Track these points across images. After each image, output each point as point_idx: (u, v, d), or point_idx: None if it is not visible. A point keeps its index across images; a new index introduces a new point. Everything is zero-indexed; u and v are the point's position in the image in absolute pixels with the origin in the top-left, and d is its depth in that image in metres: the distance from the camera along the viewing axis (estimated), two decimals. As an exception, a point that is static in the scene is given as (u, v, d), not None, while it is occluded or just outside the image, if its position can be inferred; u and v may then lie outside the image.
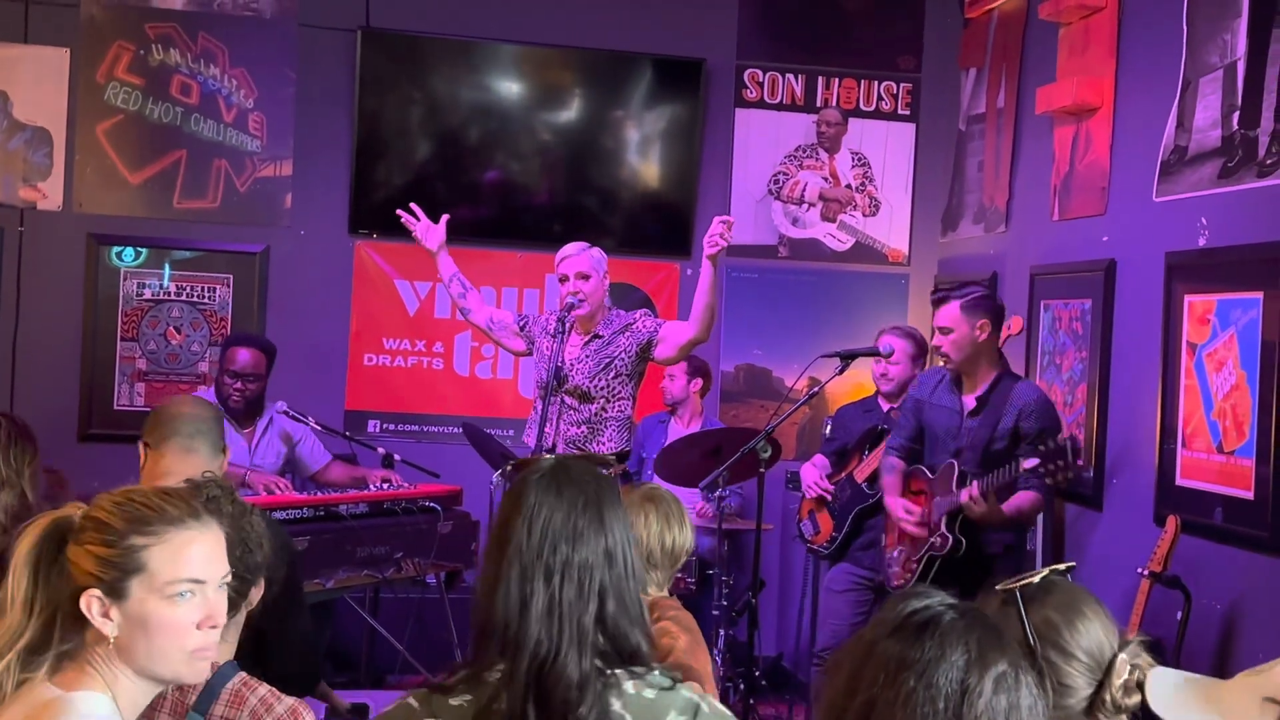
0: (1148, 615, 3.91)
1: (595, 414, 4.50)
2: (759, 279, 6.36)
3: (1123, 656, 1.87)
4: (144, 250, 5.95)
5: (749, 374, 6.38)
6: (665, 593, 2.97)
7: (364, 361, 6.14)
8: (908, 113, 6.43)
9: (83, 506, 1.84)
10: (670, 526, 2.91)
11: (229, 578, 1.88)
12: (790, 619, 6.13)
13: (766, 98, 6.35)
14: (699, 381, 5.79)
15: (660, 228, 6.30)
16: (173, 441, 2.87)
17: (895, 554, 4.44)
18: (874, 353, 4.90)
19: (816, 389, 5.05)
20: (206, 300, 5.99)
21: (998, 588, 1.89)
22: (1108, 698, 1.86)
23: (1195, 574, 3.90)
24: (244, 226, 6.01)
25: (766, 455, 4.44)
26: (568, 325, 4.43)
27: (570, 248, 4.57)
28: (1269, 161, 3.80)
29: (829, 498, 5.08)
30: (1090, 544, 4.72)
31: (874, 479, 4.82)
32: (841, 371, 4.61)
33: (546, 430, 4.33)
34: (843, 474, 5.08)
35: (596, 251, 4.58)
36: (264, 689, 2.10)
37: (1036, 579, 1.87)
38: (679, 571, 3.17)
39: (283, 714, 2.07)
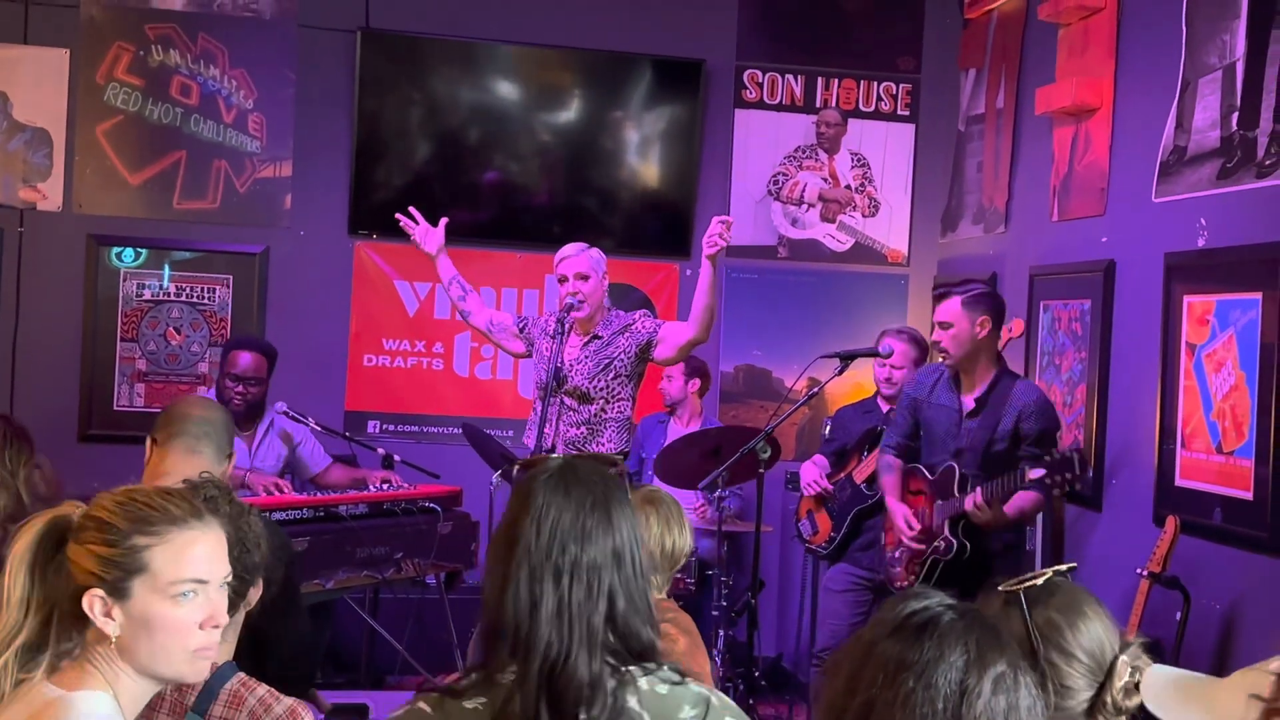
0: (1147, 615, 3.91)
1: (595, 415, 4.50)
2: (758, 279, 6.36)
3: (1124, 658, 1.87)
4: (144, 251, 5.95)
5: (748, 374, 6.38)
6: (664, 594, 2.97)
7: (364, 362, 6.15)
8: (907, 113, 6.43)
9: (81, 506, 1.84)
10: (670, 529, 2.91)
11: (230, 577, 1.88)
12: (790, 619, 6.13)
13: (766, 98, 6.35)
14: (697, 382, 5.79)
15: (660, 228, 6.31)
16: (178, 441, 2.88)
17: (897, 554, 4.43)
18: (873, 353, 4.90)
19: (816, 389, 5.05)
20: (206, 301, 5.99)
21: (1000, 588, 1.89)
22: (1108, 699, 1.86)
23: (1194, 574, 3.90)
24: (244, 227, 6.01)
25: (766, 456, 4.44)
26: (567, 326, 4.43)
27: (569, 248, 4.57)
28: (1268, 162, 3.80)
29: (828, 496, 5.08)
30: (1089, 544, 4.72)
31: (873, 480, 4.82)
32: (841, 372, 4.60)
33: (546, 431, 4.33)
34: (842, 474, 5.08)
35: (595, 252, 4.58)
36: (262, 689, 2.10)
37: (1040, 581, 1.87)
38: (678, 572, 3.17)
39: (281, 714, 2.07)
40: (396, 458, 5.04)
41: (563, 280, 4.53)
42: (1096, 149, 4.83)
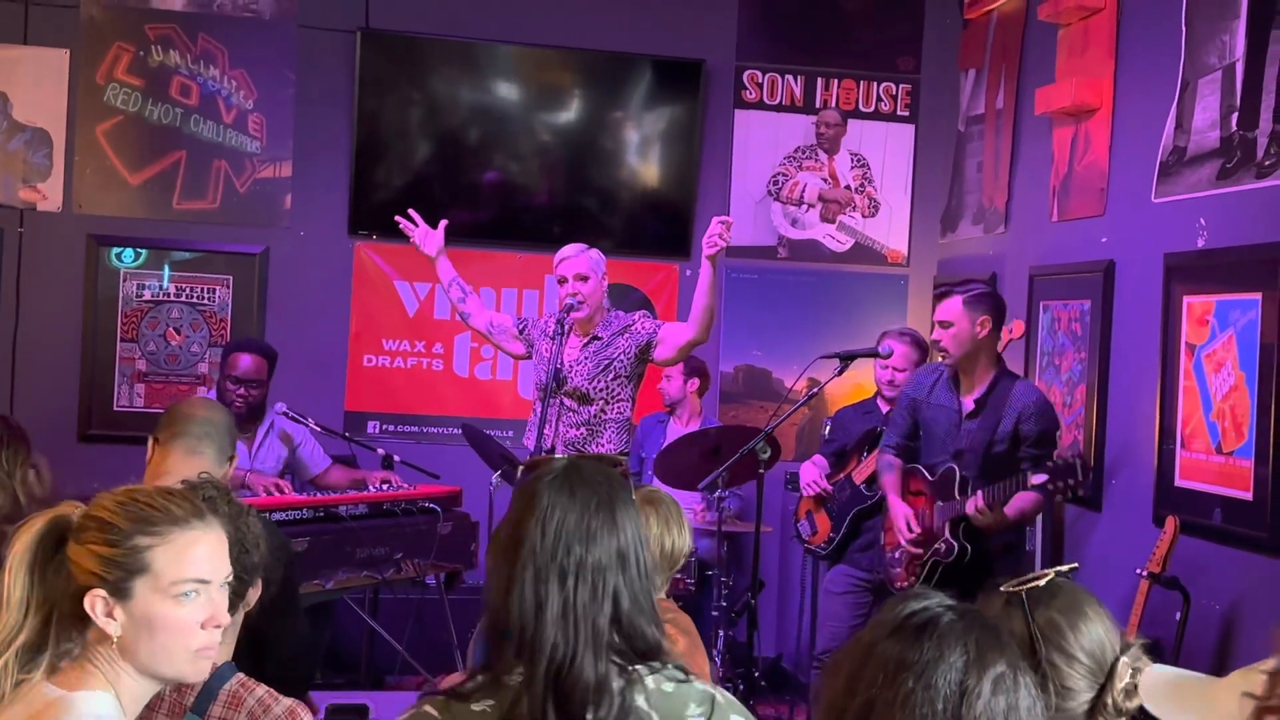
0: (1147, 616, 3.91)
1: (594, 416, 4.50)
2: (758, 280, 6.36)
3: (1124, 660, 1.87)
4: (144, 251, 5.95)
5: (748, 375, 6.38)
6: (663, 595, 2.97)
7: (363, 362, 6.15)
8: (907, 114, 6.43)
9: (80, 506, 1.84)
10: (670, 530, 2.91)
11: (230, 577, 1.88)
12: (790, 620, 6.13)
13: (766, 99, 6.35)
14: (696, 381, 5.79)
15: (659, 228, 6.31)
16: (180, 441, 2.88)
17: (896, 554, 4.43)
18: (873, 354, 4.90)
19: (816, 390, 5.05)
20: (206, 301, 5.99)
21: (1003, 588, 1.89)
22: (1109, 701, 1.86)
23: (1194, 575, 3.90)
24: (243, 227, 6.02)
25: (766, 456, 4.44)
26: (566, 327, 4.43)
27: (568, 249, 4.57)
28: (1267, 163, 3.80)
29: (827, 496, 5.08)
30: (1089, 545, 4.72)
31: (872, 480, 4.82)
32: (841, 372, 4.60)
33: (545, 432, 4.33)
34: (841, 475, 5.08)
35: (595, 253, 4.58)
36: (261, 690, 2.10)
37: (1043, 582, 1.87)
38: (678, 573, 3.17)
39: (280, 715, 2.07)
40: (396, 458, 5.04)
41: (562, 281, 4.53)
42: (1096, 149, 4.83)
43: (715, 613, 5.19)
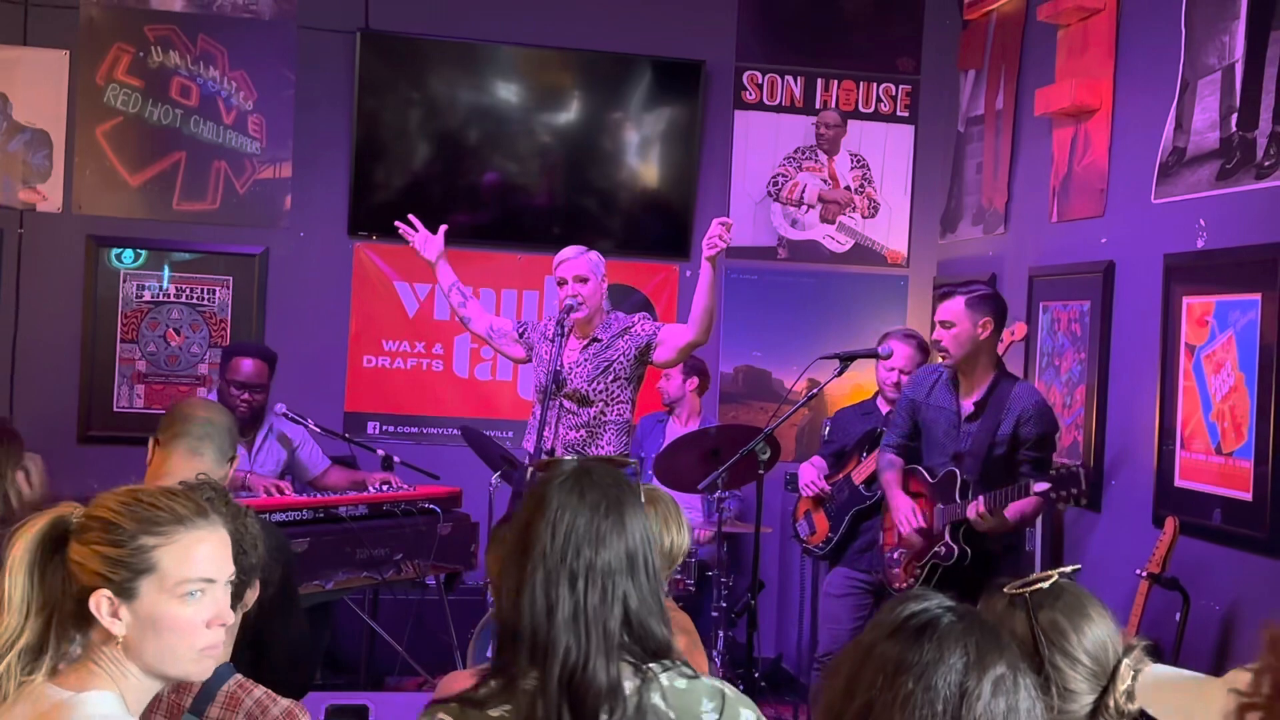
0: (1146, 617, 3.91)
1: (594, 418, 4.50)
2: (758, 280, 6.36)
3: (1126, 662, 1.87)
4: (143, 252, 5.95)
5: (748, 375, 6.38)
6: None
7: (363, 363, 6.15)
8: (907, 114, 6.43)
9: (78, 506, 1.84)
10: (669, 528, 2.91)
11: (234, 576, 1.89)
12: (790, 621, 6.13)
13: (765, 99, 6.35)
14: (695, 380, 5.79)
15: (659, 229, 6.31)
16: (180, 442, 2.88)
17: (896, 555, 4.43)
18: (873, 354, 4.90)
19: (815, 390, 5.05)
20: (206, 302, 5.99)
21: (1006, 590, 1.89)
22: (1111, 703, 1.86)
23: (1194, 575, 3.90)
24: (243, 228, 6.01)
25: (766, 457, 4.43)
26: (566, 328, 4.43)
27: (568, 251, 4.58)
28: (1267, 163, 3.80)
29: (826, 496, 5.08)
30: (1089, 545, 4.72)
31: (871, 480, 4.82)
32: (840, 373, 4.60)
33: (545, 434, 4.32)
34: (840, 475, 5.08)
35: (594, 255, 4.58)
36: (260, 691, 2.11)
37: (1046, 584, 1.87)
38: (678, 573, 3.17)
39: (279, 716, 2.07)
40: (396, 459, 5.04)
41: (561, 283, 4.53)
42: (1096, 150, 4.83)
43: (715, 613, 5.19)
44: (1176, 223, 4.25)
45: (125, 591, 1.76)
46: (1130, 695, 1.85)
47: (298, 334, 5.95)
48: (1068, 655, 1.85)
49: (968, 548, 4.18)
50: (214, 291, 6.00)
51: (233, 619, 1.88)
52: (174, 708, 2.08)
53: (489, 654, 1.90)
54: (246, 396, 4.91)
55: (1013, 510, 4.06)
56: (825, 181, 6.41)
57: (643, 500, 1.91)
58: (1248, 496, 3.79)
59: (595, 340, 4.56)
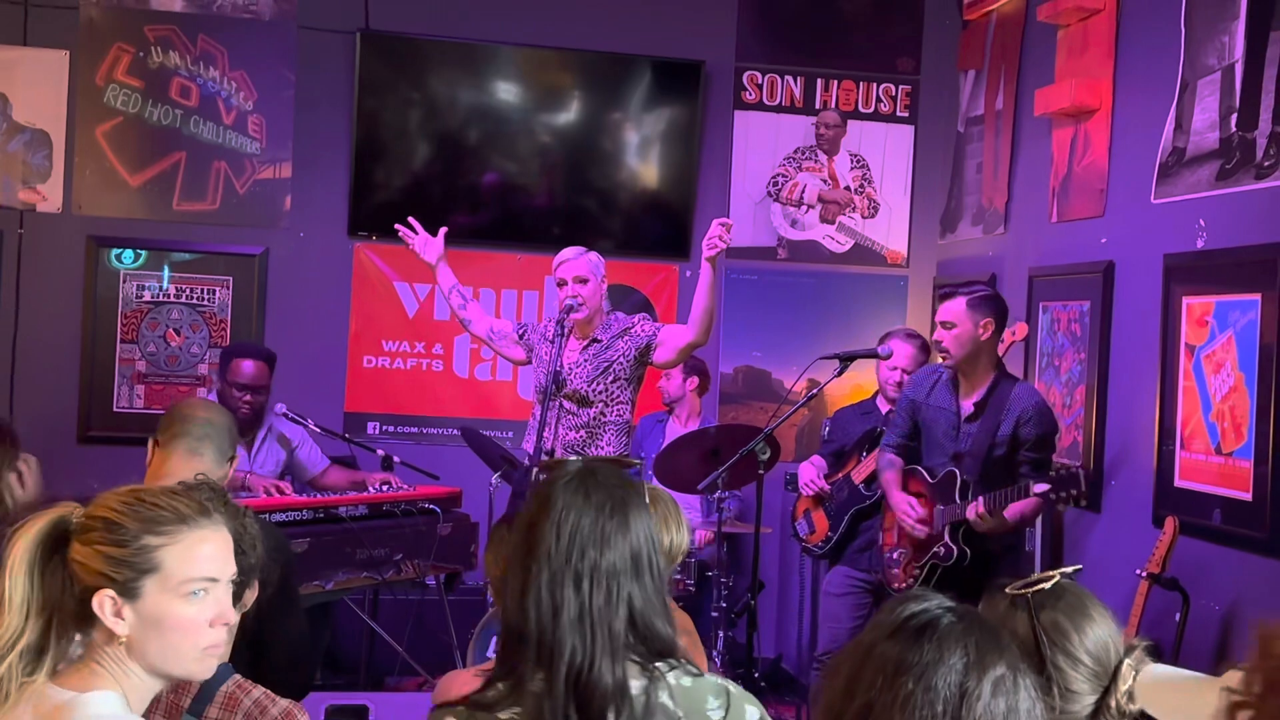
0: (1146, 617, 3.91)
1: (594, 418, 4.50)
2: (758, 281, 6.36)
3: (1128, 662, 1.87)
4: (143, 252, 5.95)
5: (748, 376, 6.38)
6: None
7: (363, 363, 6.15)
8: (906, 115, 6.43)
9: (78, 506, 1.84)
10: (668, 528, 2.91)
11: (236, 575, 1.89)
12: (790, 621, 6.13)
13: (765, 100, 6.35)
14: (695, 380, 5.79)
15: (659, 230, 6.31)
16: (180, 442, 2.88)
17: (895, 555, 4.44)
18: (873, 354, 4.90)
19: (815, 390, 5.05)
20: (206, 302, 5.99)
21: (1008, 590, 1.89)
22: (1113, 704, 1.86)
23: (1194, 576, 3.90)
24: (243, 228, 6.02)
25: (765, 457, 4.43)
26: (566, 328, 4.43)
27: (567, 252, 4.57)
28: (1267, 163, 3.80)
29: (825, 496, 5.08)
30: (1089, 545, 4.72)
31: (871, 480, 4.82)
32: (840, 373, 4.60)
33: (545, 435, 4.32)
34: (840, 475, 5.08)
35: (594, 256, 4.58)
36: (258, 691, 2.11)
37: (1048, 585, 1.87)
38: (678, 573, 3.17)
39: (277, 716, 2.07)
40: (396, 459, 5.04)
41: (561, 284, 4.53)
42: (1095, 150, 4.83)
43: (715, 614, 5.18)
44: (1176, 223, 4.25)
45: (128, 591, 1.76)
46: (1131, 695, 1.86)
47: (298, 334, 5.95)
48: (1069, 655, 1.86)
49: (967, 548, 4.18)
50: (214, 292, 6.00)
51: (235, 618, 1.88)
52: (172, 708, 2.08)
53: (489, 654, 1.90)
54: (248, 398, 4.90)
55: (1012, 511, 4.06)
56: (825, 182, 6.41)
57: (647, 501, 1.91)
58: (1247, 496, 3.79)
59: (595, 341, 4.56)
